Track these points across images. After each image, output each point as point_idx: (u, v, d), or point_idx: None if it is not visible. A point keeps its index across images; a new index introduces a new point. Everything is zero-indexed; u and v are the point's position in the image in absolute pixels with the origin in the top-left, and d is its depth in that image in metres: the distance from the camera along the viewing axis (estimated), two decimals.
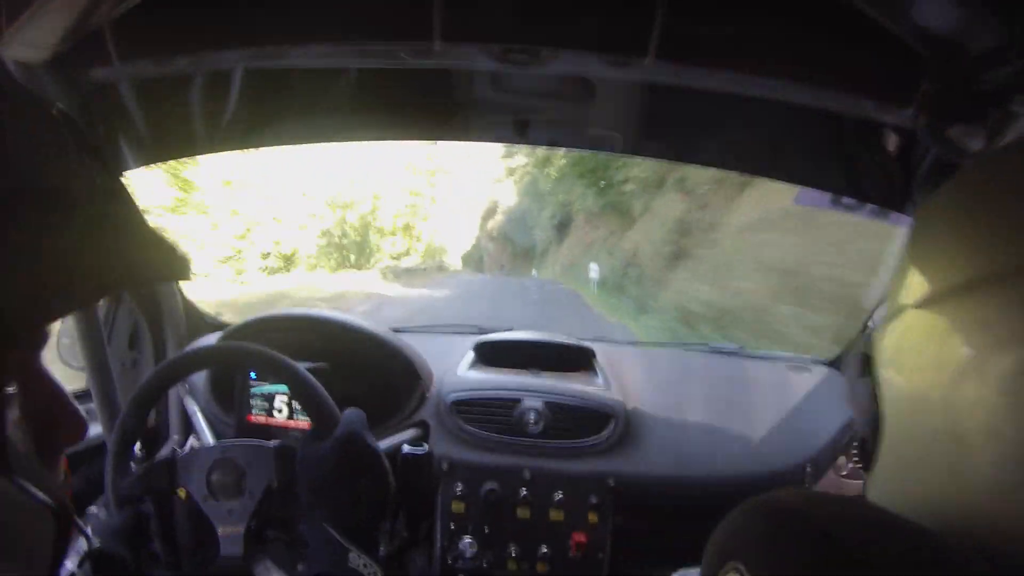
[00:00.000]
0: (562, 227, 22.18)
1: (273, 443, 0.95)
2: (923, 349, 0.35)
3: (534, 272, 24.61)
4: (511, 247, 29.24)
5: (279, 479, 0.92)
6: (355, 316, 1.36)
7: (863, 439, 0.40)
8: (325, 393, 0.94)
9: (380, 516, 1.05)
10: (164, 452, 1.01)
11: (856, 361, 0.42)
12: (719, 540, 0.36)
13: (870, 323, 1.23)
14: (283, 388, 1.19)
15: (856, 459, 1.22)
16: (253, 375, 1.19)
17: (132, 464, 0.98)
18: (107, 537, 0.90)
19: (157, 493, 0.94)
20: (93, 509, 1.16)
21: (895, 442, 0.37)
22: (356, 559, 0.91)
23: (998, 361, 0.31)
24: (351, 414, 0.93)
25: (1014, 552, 0.30)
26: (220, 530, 0.91)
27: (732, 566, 0.32)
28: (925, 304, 0.35)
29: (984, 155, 0.66)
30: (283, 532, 0.97)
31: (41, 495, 0.32)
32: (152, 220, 0.37)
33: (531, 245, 26.85)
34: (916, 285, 0.36)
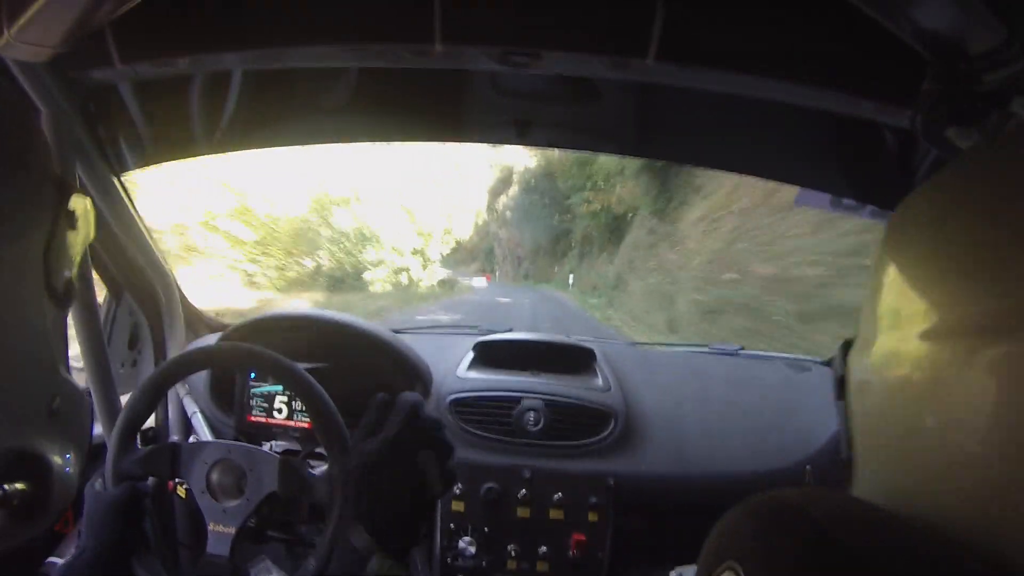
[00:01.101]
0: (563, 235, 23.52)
1: (278, 450, 0.94)
2: (901, 373, 0.35)
3: (556, 268, 25.75)
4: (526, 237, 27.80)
5: (283, 491, 0.90)
6: (355, 316, 1.36)
7: (843, 459, 0.41)
8: (342, 425, 0.91)
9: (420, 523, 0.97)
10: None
11: (835, 383, 0.42)
12: (715, 540, 0.36)
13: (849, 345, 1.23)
14: (283, 388, 1.19)
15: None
16: (253, 375, 1.19)
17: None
18: (101, 509, 0.88)
19: (158, 476, 0.93)
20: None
21: (871, 457, 0.38)
22: (375, 564, 0.85)
23: (983, 354, 0.31)
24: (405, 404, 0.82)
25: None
26: (211, 527, 0.90)
27: (728, 565, 0.32)
28: (903, 327, 0.35)
29: (955, 161, 0.67)
30: (283, 532, 0.97)
31: None
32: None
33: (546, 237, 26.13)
34: (890, 309, 0.36)
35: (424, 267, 19.06)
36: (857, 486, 0.40)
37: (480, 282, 26.42)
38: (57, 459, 0.70)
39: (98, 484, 1.03)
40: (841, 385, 0.40)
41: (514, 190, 28.36)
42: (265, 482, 0.91)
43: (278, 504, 0.92)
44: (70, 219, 0.70)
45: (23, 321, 0.65)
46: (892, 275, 0.37)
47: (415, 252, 18.36)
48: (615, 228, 18.18)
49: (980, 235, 0.32)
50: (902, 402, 0.35)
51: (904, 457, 0.36)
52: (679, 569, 0.62)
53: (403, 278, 17.55)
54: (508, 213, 28.79)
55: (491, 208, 28.93)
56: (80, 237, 0.73)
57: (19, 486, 0.64)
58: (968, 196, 0.34)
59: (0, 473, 0.62)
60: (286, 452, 1.07)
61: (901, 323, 0.35)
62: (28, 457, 0.66)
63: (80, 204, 0.72)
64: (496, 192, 27.48)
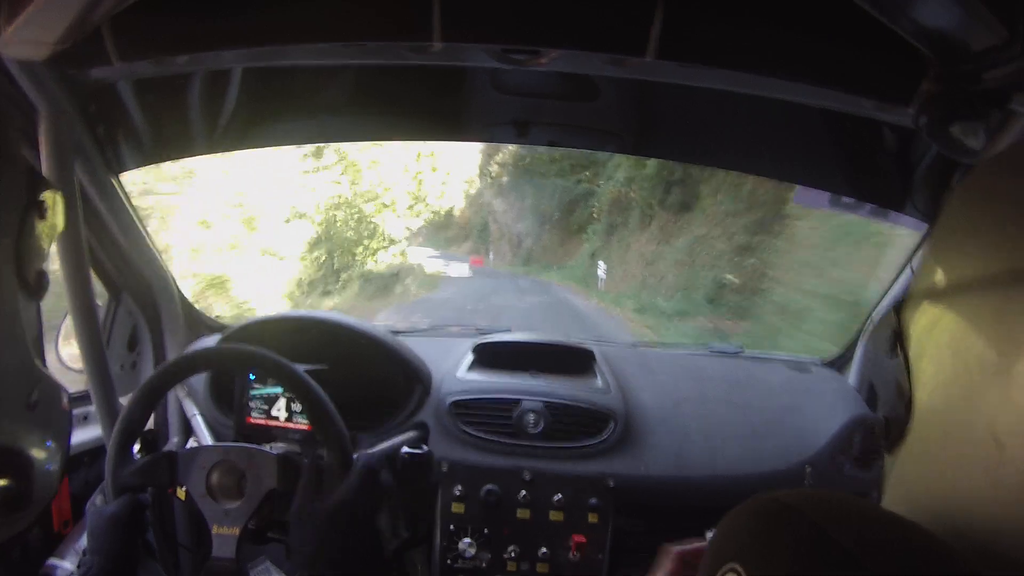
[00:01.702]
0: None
1: (276, 449, 0.94)
2: (949, 342, 0.35)
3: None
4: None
5: (281, 487, 0.91)
6: (354, 318, 1.36)
7: (887, 419, 0.39)
8: (343, 428, 0.92)
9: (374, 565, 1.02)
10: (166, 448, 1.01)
11: (884, 339, 0.41)
12: (716, 541, 0.36)
13: (873, 316, 1.22)
14: (282, 390, 1.19)
15: (862, 450, 1.21)
16: (252, 377, 1.19)
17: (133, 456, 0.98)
18: (103, 525, 0.88)
19: (156, 486, 0.93)
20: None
21: (923, 431, 0.37)
22: None
23: (1020, 364, 0.30)
24: (358, 468, 0.90)
25: None
26: (214, 530, 0.90)
27: (730, 567, 0.32)
28: (950, 295, 0.35)
29: (1014, 147, 0.66)
30: (283, 534, 0.96)
31: None
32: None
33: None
34: (941, 275, 0.36)
35: (376, 248, 13.59)
36: (894, 467, 0.40)
37: (460, 268, 19.28)
38: (38, 453, 0.70)
39: (99, 500, 1.03)
40: (895, 340, 0.40)
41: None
42: (264, 480, 0.91)
43: (279, 502, 0.92)
44: (40, 210, 0.72)
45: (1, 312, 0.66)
46: (943, 258, 0.37)
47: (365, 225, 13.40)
48: (672, 191, 10.85)
49: None
50: (946, 391, 0.35)
51: (946, 451, 0.35)
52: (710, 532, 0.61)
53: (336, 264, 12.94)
54: (505, 177, 21.56)
55: (484, 171, 21.43)
56: (49, 228, 0.74)
57: (0, 482, 0.64)
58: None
59: None
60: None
61: (957, 283, 0.35)
62: (8, 452, 0.66)
63: (49, 196, 0.73)
64: (490, 152, 19.82)
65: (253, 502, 0.90)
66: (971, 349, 0.33)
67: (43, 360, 0.76)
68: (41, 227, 0.72)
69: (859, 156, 0.98)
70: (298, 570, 0.85)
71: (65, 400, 0.76)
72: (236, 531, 0.90)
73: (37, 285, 0.73)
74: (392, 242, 14.03)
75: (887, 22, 0.63)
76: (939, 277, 0.36)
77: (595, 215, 16.33)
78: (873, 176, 0.99)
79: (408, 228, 14.44)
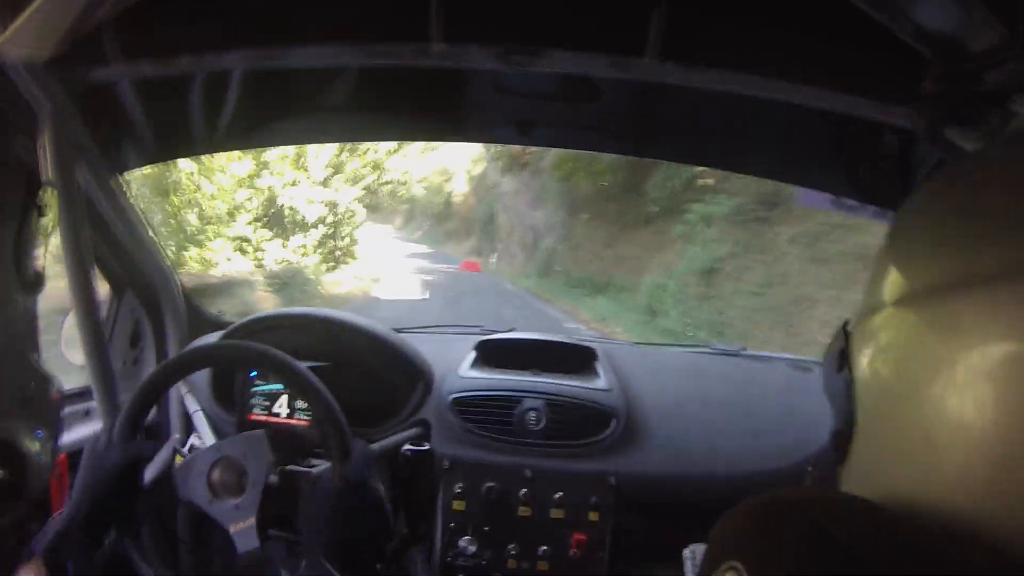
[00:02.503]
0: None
1: (262, 430, 0.96)
2: (897, 346, 0.36)
3: None
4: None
5: (280, 460, 0.92)
6: (356, 315, 1.37)
7: (837, 433, 0.40)
8: (343, 422, 0.93)
9: (379, 557, 1.05)
10: (157, 466, 1.01)
11: (833, 356, 0.42)
12: (716, 539, 0.36)
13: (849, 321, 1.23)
14: (283, 387, 1.19)
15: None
16: (254, 374, 1.20)
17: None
18: (99, 469, 0.89)
19: (161, 509, 0.95)
20: None
21: (869, 437, 0.38)
22: None
23: (967, 360, 0.31)
24: (360, 453, 0.93)
25: (991, 548, 0.30)
26: (232, 528, 0.91)
27: (729, 565, 0.32)
28: (901, 302, 0.35)
29: (967, 155, 0.66)
30: (285, 530, 0.97)
31: None
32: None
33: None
34: (893, 283, 0.37)
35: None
36: (845, 478, 0.40)
37: (434, 277, 13.53)
38: (32, 445, 0.71)
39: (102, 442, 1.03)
40: (842, 357, 0.40)
41: None
42: (264, 464, 0.92)
43: (283, 482, 0.93)
44: (39, 208, 0.72)
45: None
46: (896, 265, 0.37)
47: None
48: None
49: (987, 235, 0.32)
50: (890, 395, 0.36)
51: (887, 453, 0.36)
52: (692, 547, 0.62)
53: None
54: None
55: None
56: (48, 226, 0.75)
57: None
58: (981, 191, 0.35)
59: None
60: (286, 451, 1.08)
61: (906, 292, 0.35)
62: (3, 445, 0.66)
63: (46, 194, 0.73)
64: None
65: (258, 487, 0.91)
66: (917, 350, 0.33)
67: (38, 354, 0.77)
68: (39, 225, 0.73)
69: (860, 158, 0.98)
70: (307, 556, 0.86)
71: (55, 391, 0.77)
72: (252, 521, 0.90)
73: (35, 281, 0.73)
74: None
75: (887, 23, 0.63)
76: (889, 287, 0.37)
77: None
78: (874, 178, 0.98)
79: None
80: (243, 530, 0.90)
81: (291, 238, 9.94)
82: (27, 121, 0.83)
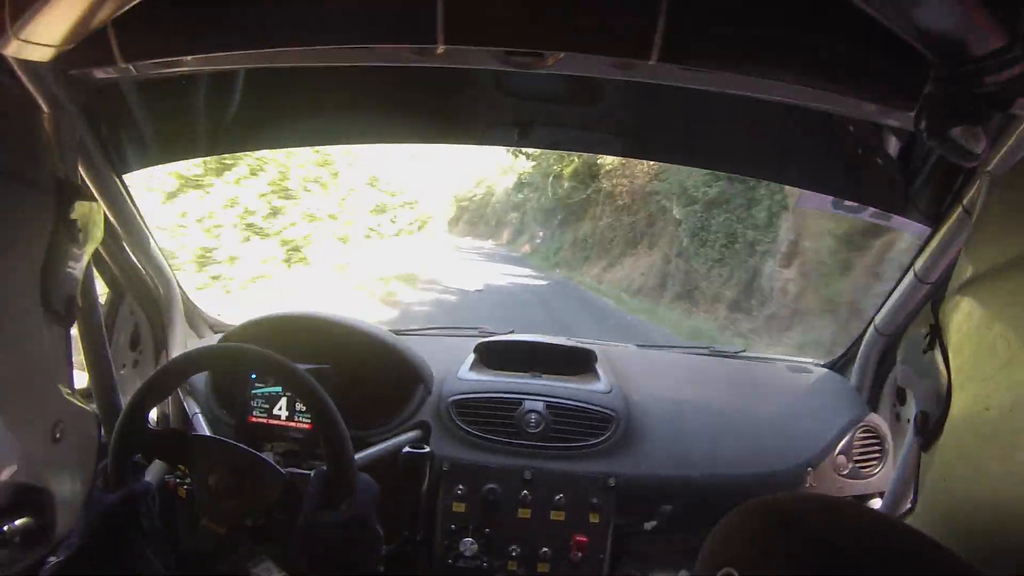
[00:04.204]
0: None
1: (279, 452, 0.97)
2: (981, 331, 0.35)
3: None
4: None
5: (280, 510, 0.91)
6: (356, 317, 1.36)
7: (923, 414, 0.39)
8: (350, 450, 0.93)
9: None
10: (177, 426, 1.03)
11: (918, 338, 0.41)
12: (713, 544, 0.36)
13: (876, 321, 1.22)
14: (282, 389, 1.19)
15: (863, 452, 1.21)
16: (253, 376, 1.19)
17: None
18: (99, 509, 0.88)
19: (164, 459, 0.96)
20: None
21: (959, 424, 0.37)
22: None
23: None
24: (365, 489, 0.93)
25: None
26: (203, 521, 0.91)
27: (726, 572, 0.32)
28: (986, 279, 0.34)
29: None
30: (273, 545, 0.97)
31: None
32: None
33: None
34: (981, 267, 0.36)
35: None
36: (931, 463, 0.39)
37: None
38: (61, 489, 0.66)
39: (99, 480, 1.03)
40: (933, 335, 0.40)
41: None
42: (266, 496, 0.91)
43: (273, 517, 0.92)
44: (71, 229, 0.65)
45: (20, 342, 0.60)
46: (980, 243, 0.37)
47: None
48: None
49: None
50: (977, 381, 0.35)
51: (975, 442, 0.35)
52: (684, 572, 0.62)
53: None
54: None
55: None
56: (84, 247, 0.67)
57: (21, 522, 0.62)
58: None
59: (2, 510, 0.59)
60: (287, 455, 1.08)
61: (998, 273, 0.35)
62: (31, 491, 0.62)
63: (84, 210, 0.66)
64: None
65: (245, 509, 0.91)
66: (998, 335, 0.33)
67: (71, 387, 0.70)
68: (73, 248, 0.65)
69: (862, 159, 0.98)
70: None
71: (94, 431, 0.72)
72: (222, 531, 0.90)
73: (67, 312, 0.66)
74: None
75: (889, 25, 0.63)
76: (979, 269, 0.36)
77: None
78: (876, 179, 0.99)
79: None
80: (211, 532, 0.90)
81: None
82: (32, 121, 0.82)
